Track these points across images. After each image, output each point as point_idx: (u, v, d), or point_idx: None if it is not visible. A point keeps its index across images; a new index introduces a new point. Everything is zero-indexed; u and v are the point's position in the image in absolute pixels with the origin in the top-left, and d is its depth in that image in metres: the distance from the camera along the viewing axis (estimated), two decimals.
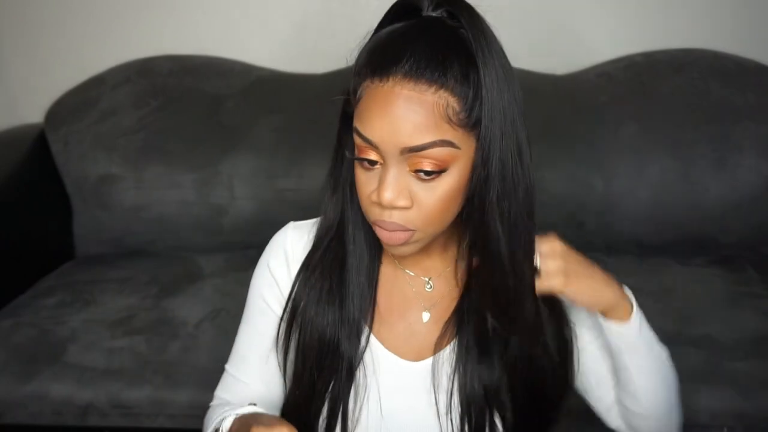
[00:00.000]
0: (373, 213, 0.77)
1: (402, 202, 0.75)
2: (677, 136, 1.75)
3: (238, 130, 1.85)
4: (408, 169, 0.74)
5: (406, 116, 0.72)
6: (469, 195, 0.77)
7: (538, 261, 0.80)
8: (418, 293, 0.89)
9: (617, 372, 0.89)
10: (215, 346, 1.45)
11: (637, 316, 0.86)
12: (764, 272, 1.67)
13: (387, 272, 0.90)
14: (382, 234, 0.78)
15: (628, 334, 0.85)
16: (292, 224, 0.93)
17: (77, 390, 1.41)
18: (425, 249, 0.83)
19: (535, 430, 0.89)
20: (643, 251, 1.77)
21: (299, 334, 0.87)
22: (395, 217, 0.76)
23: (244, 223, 1.82)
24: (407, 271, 0.90)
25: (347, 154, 0.80)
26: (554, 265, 0.81)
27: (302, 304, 0.87)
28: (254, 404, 0.85)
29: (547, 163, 1.76)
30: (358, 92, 0.76)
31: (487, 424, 0.86)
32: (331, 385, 0.87)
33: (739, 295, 1.58)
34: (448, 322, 0.87)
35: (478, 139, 0.75)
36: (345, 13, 1.95)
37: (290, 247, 0.90)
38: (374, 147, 0.74)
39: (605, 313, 0.86)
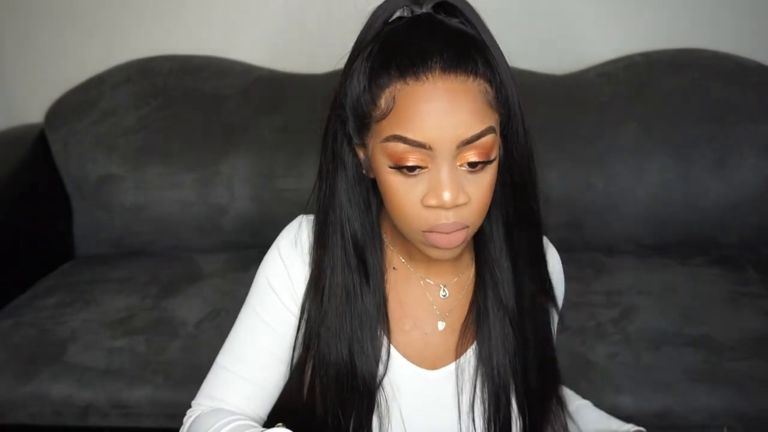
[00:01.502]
0: (428, 219, 0.74)
1: (462, 199, 0.73)
2: (677, 136, 1.75)
3: (238, 130, 1.85)
4: (458, 164, 0.73)
5: (460, 108, 0.71)
6: (502, 175, 0.79)
7: None
8: (433, 301, 0.87)
9: None
10: (215, 346, 1.45)
11: None
12: (764, 272, 1.67)
13: (400, 280, 0.87)
14: (440, 239, 0.74)
15: None
16: (304, 218, 0.90)
17: (77, 390, 1.41)
18: None
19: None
20: (643, 251, 1.77)
21: (316, 375, 0.84)
22: (453, 216, 0.73)
23: (244, 223, 1.82)
24: (423, 278, 0.87)
25: (389, 165, 0.73)
26: None
27: (316, 341, 0.84)
28: (281, 424, 0.82)
29: (547, 163, 1.76)
30: (382, 102, 0.73)
31: (515, 417, 0.85)
32: (354, 411, 0.84)
33: (739, 295, 1.58)
34: (466, 326, 0.86)
35: (501, 122, 0.76)
36: (345, 13, 1.95)
37: (305, 239, 0.86)
38: (425, 149, 0.71)
39: None
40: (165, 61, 1.96)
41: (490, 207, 0.78)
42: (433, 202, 0.72)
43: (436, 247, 0.75)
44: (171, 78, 1.92)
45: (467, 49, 0.72)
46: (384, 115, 0.72)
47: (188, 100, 1.90)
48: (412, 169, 0.72)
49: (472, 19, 0.75)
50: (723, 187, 1.73)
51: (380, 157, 0.74)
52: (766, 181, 1.73)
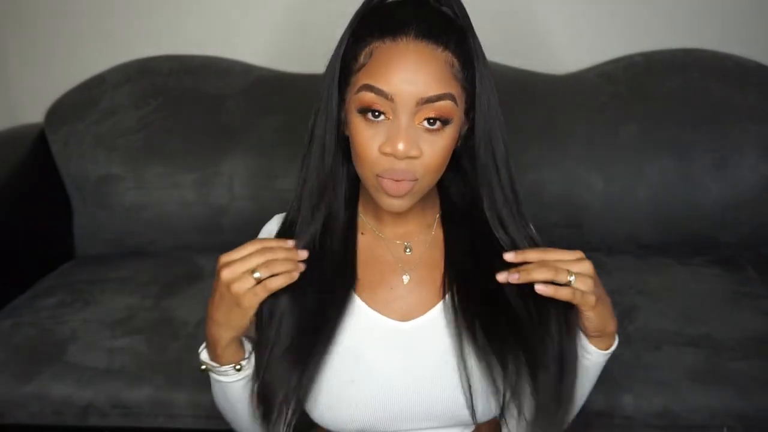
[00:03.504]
0: (382, 165, 0.82)
1: (414, 152, 0.81)
2: (677, 136, 1.75)
3: (238, 130, 1.85)
4: (416, 122, 0.82)
5: (424, 69, 0.80)
6: (460, 148, 0.88)
7: (572, 278, 0.82)
8: (397, 258, 0.95)
9: None
10: None
11: (612, 350, 0.93)
12: (764, 272, 1.67)
13: (366, 242, 0.95)
14: (389, 185, 0.83)
15: (597, 361, 0.93)
16: (276, 217, 0.99)
17: (77, 390, 1.41)
18: (405, 215, 0.92)
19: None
20: (643, 251, 1.77)
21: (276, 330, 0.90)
22: (404, 165, 0.82)
23: (244, 223, 1.82)
24: (388, 238, 0.95)
25: (357, 110, 0.82)
26: (589, 286, 0.84)
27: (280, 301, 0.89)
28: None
29: (547, 163, 1.76)
30: (362, 55, 0.82)
31: (496, 374, 0.88)
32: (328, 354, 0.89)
33: (739, 295, 1.58)
34: (436, 279, 0.93)
35: (466, 100, 0.85)
36: (345, 13, 1.95)
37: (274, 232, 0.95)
38: (388, 100, 0.80)
39: (590, 336, 0.91)
40: (165, 61, 1.96)
41: (452, 177, 0.89)
42: (388, 149, 0.81)
43: (386, 192, 0.84)
44: (171, 78, 1.92)
45: (444, 28, 0.82)
46: (361, 68, 0.82)
47: (188, 100, 1.90)
48: (376, 114, 0.81)
49: (457, 9, 0.85)
50: (723, 187, 1.73)
51: (352, 106, 0.83)
52: (766, 181, 1.73)
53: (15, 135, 1.96)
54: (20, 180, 1.82)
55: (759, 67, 1.84)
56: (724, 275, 1.66)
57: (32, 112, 2.05)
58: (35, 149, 1.89)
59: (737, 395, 1.32)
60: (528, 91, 1.83)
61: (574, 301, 0.84)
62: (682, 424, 1.33)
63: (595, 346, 0.91)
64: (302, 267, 0.84)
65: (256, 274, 0.82)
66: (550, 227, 1.78)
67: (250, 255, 0.83)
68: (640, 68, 1.85)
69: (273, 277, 0.82)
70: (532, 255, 0.84)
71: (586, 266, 0.84)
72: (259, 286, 0.82)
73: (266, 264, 0.82)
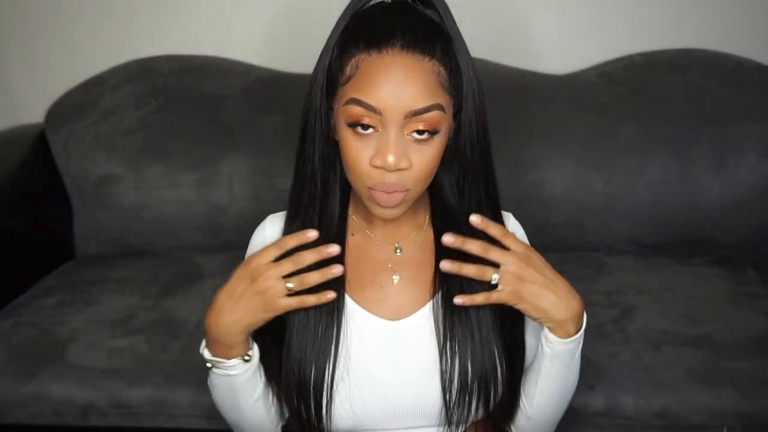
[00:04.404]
0: (373, 177, 0.82)
1: (404, 164, 0.81)
2: (677, 136, 1.75)
3: (238, 130, 1.85)
4: (405, 133, 0.81)
5: (411, 82, 0.79)
6: (449, 153, 0.88)
7: (496, 277, 0.83)
8: (387, 258, 0.95)
9: (530, 369, 0.94)
10: None
11: (579, 337, 0.89)
12: (764, 272, 1.67)
13: (356, 243, 0.95)
14: (381, 197, 0.83)
15: (558, 349, 0.89)
16: (269, 217, 1.00)
17: (77, 390, 1.41)
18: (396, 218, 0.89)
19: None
20: (643, 251, 1.77)
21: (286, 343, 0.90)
22: (394, 178, 0.82)
23: (244, 223, 1.82)
24: (379, 239, 0.95)
25: (346, 123, 0.82)
26: (510, 287, 0.84)
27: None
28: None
29: (547, 163, 1.76)
30: (349, 67, 0.81)
31: (485, 373, 0.89)
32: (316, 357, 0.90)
33: (739, 295, 1.58)
34: (427, 278, 0.93)
35: (453, 105, 0.84)
36: None
37: (269, 239, 0.96)
38: (376, 114, 0.79)
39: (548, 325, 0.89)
40: (165, 61, 1.96)
41: (443, 177, 0.89)
42: (378, 162, 0.81)
43: (378, 203, 0.84)
44: (171, 78, 1.93)
45: (430, 35, 0.81)
46: (347, 80, 0.81)
47: (188, 100, 1.90)
48: (365, 128, 0.81)
49: (442, 11, 0.84)
50: (723, 187, 1.73)
51: (341, 117, 0.83)
52: (766, 181, 1.73)
53: (15, 135, 1.96)
54: (20, 180, 1.82)
55: (759, 67, 1.84)
56: (724, 275, 1.65)
57: (32, 112, 2.05)
58: (35, 149, 1.89)
59: (737, 395, 1.32)
60: (528, 91, 1.83)
61: (491, 300, 0.85)
62: (682, 424, 1.33)
63: (554, 334, 0.88)
64: (338, 271, 0.83)
65: (289, 284, 0.82)
66: (550, 227, 1.78)
67: (281, 263, 0.82)
68: (640, 68, 1.85)
69: (308, 295, 0.83)
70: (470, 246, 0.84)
71: (510, 259, 0.83)
72: (294, 300, 0.83)
73: (300, 278, 0.82)
